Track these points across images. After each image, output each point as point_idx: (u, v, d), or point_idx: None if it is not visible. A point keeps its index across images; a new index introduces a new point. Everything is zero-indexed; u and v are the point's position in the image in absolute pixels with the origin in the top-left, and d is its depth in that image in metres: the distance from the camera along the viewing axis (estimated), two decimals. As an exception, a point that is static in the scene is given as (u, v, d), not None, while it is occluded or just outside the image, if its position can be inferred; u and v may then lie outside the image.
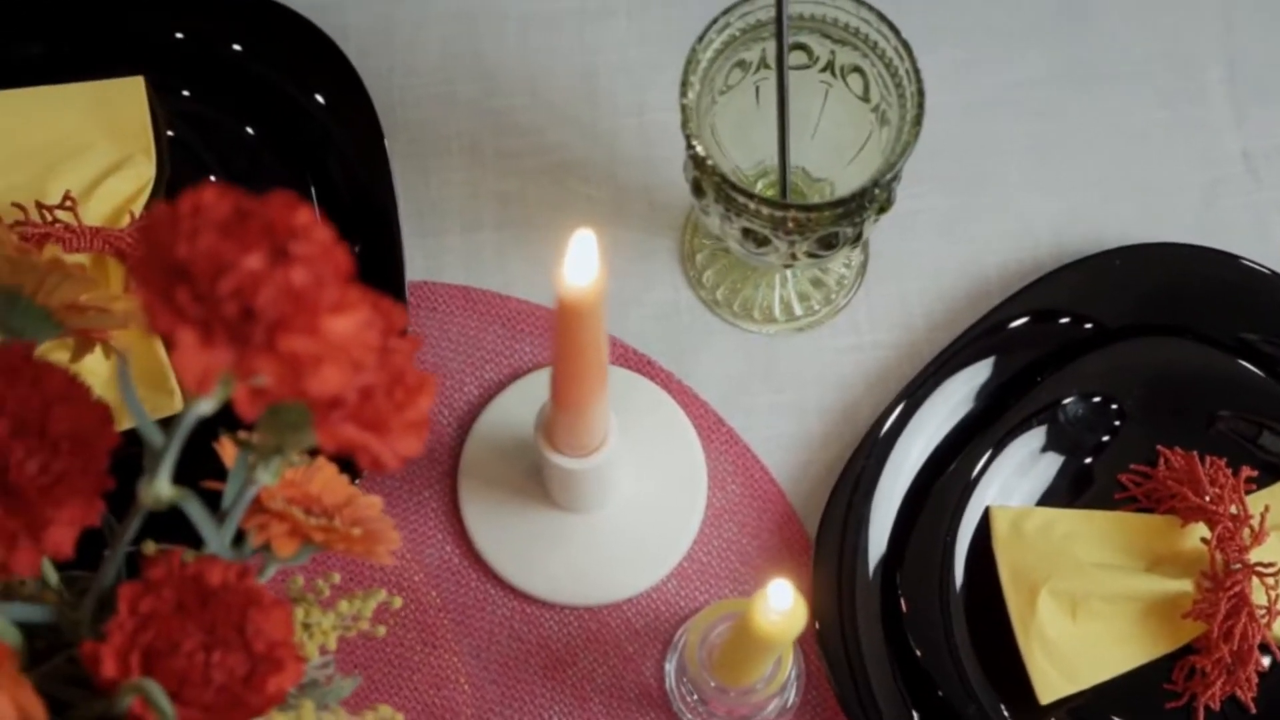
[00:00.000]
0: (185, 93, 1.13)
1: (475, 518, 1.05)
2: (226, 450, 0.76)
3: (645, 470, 1.04)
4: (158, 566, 0.68)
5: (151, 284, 0.52)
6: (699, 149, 0.86)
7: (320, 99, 1.12)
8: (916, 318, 1.11)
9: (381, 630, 0.83)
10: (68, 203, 1.05)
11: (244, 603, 0.68)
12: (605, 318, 0.79)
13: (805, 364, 1.10)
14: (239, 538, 0.72)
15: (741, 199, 0.87)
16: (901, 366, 1.10)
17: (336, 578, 0.83)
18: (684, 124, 0.88)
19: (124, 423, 0.86)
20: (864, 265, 1.10)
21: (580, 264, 0.74)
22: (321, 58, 1.12)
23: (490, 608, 1.04)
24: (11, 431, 0.66)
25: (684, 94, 0.88)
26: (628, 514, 1.04)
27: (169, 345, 0.51)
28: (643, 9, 1.17)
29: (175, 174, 1.11)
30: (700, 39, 0.89)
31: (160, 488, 0.62)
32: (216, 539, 0.65)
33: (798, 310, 1.09)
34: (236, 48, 1.12)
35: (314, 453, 0.70)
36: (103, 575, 0.68)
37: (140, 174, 1.09)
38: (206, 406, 0.58)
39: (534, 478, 1.04)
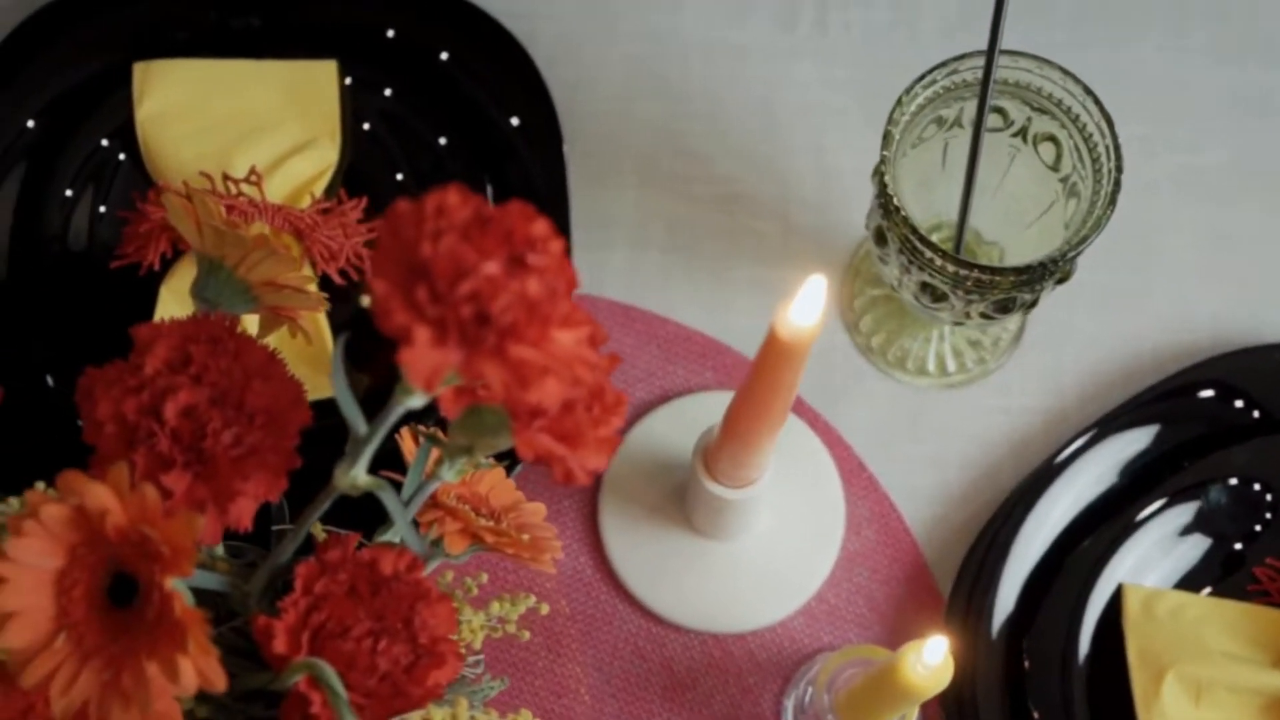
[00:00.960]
0: (387, 91, 1.13)
1: (612, 533, 1.05)
2: (407, 443, 0.77)
3: (786, 506, 1.04)
4: (333, 549, 0.69)
5: (391, 278, 0.53)
6: (894, 199, 0.86)
7: (507, 104, 1.12)
8: (1068, 387, 1.10)
9: (525, 635, 0.83)
10: (253, 177, 1.06)
11: (413, 595, 0.69)
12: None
13: (951, 420, 1.09)
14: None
15: (929, 253, 0.87)
16: (1048, 433, 1.09)
17: (484, 578, 0.84)
18: (881, 173, 0.88)
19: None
20: (1021, 329, 1.10)
21: (806, 306, 0.74)
22: (513, 65, 1.13)
23: (617, 623, 1.04)
24: (211, 401, 0.67)
25: (885, 144, 0.88)
26: (764, 547, 1.04)
27: (401, 339, 0.51)
28: (830, 54, 1.16)
29: (357, 162, 1.11)
30: (907, 92, 0.88)
31: (358, 474, 0.62)
32: (410, 532, 0.65)
33: (951, 366, 1.08)
34: (437, 50, 1.13)
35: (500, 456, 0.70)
36: (280, 552, 0.69)
37: (324, 157, 1.10)
38: (417, 401, 0.58)
39: (675, 499, 1.04)
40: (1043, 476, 1.05)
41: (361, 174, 1.11)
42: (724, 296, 1.11)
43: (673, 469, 1.05)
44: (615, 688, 1.03)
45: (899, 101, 0.89)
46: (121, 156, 1.11)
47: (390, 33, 1.14)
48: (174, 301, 1.07)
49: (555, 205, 1.10)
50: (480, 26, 1.14)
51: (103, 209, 1.10)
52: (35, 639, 0.57)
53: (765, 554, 1.04)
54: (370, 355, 0.85)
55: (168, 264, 1.04)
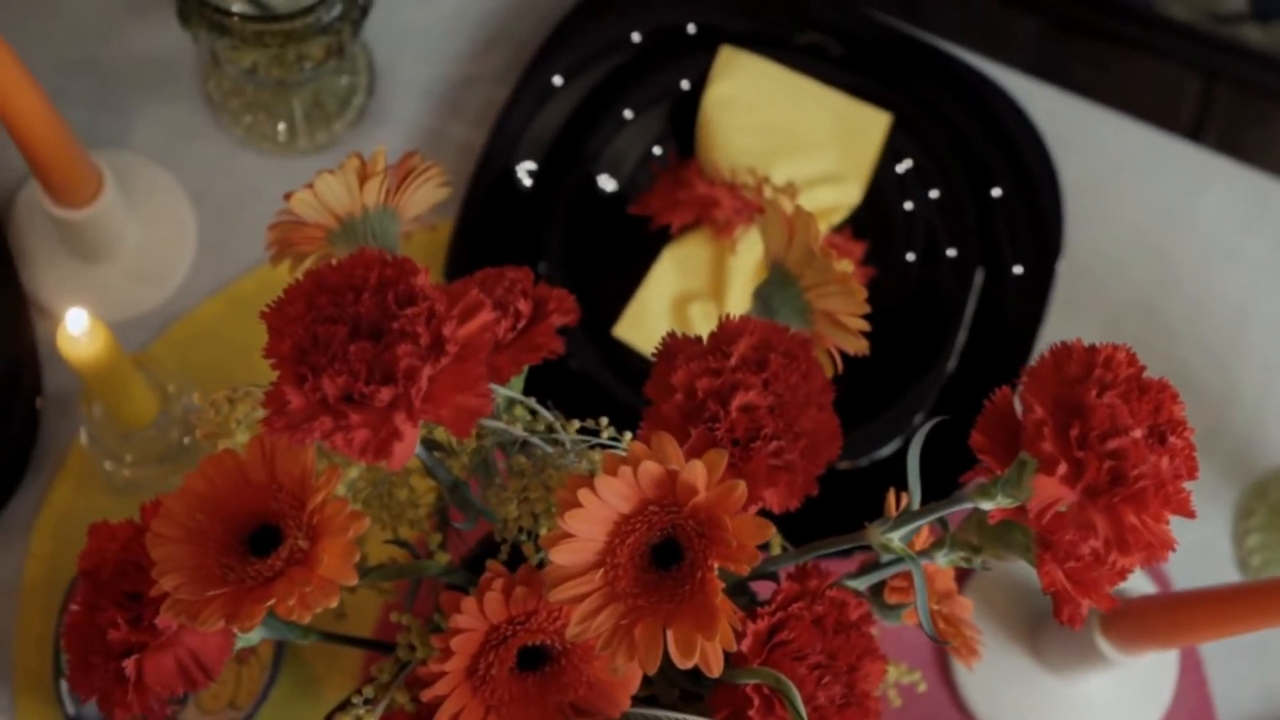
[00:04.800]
0: (908, 163, 1.13)
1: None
2: (890, 508, 0.77)
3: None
4: (815, 578, 0.69)
5: (1045, 405, 0.53)
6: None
7: (1012, 203, 1.12)
8: None
9: (897, 702, 0.83)
10: (789, 189, 1.07)
11: (863, 647, 0.69)
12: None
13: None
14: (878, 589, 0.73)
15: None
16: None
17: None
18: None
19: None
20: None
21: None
22: (1040, 168, 1.12)
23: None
24: (770, 408, 0.68)
25: None
26: (1107, 689, 1.02)
27: (1043, 466, 0.51)
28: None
29: (871, 211, 1.12)
30: None
31: (893, 539, 0.63)
32: (925, 607, 0.65)
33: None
34: (970, 128, 1.13)
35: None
36: (771, 563, 0.69)
37: (848, 194, 1.11)
38: (987, 505, 0.58)
39: (1027, 630, 1.03)
40: None
41: (872, 225, 1.11)
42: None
43: (1029, 597, 1.04)
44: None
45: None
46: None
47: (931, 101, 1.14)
48: (671, 266, 1.08)
49: (1029, 320, 1.09)
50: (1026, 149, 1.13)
51: (656, 151, 1.11)
52: (579, 563, 0.59)
53: (1111, 698, 1.02)
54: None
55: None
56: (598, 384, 1.06)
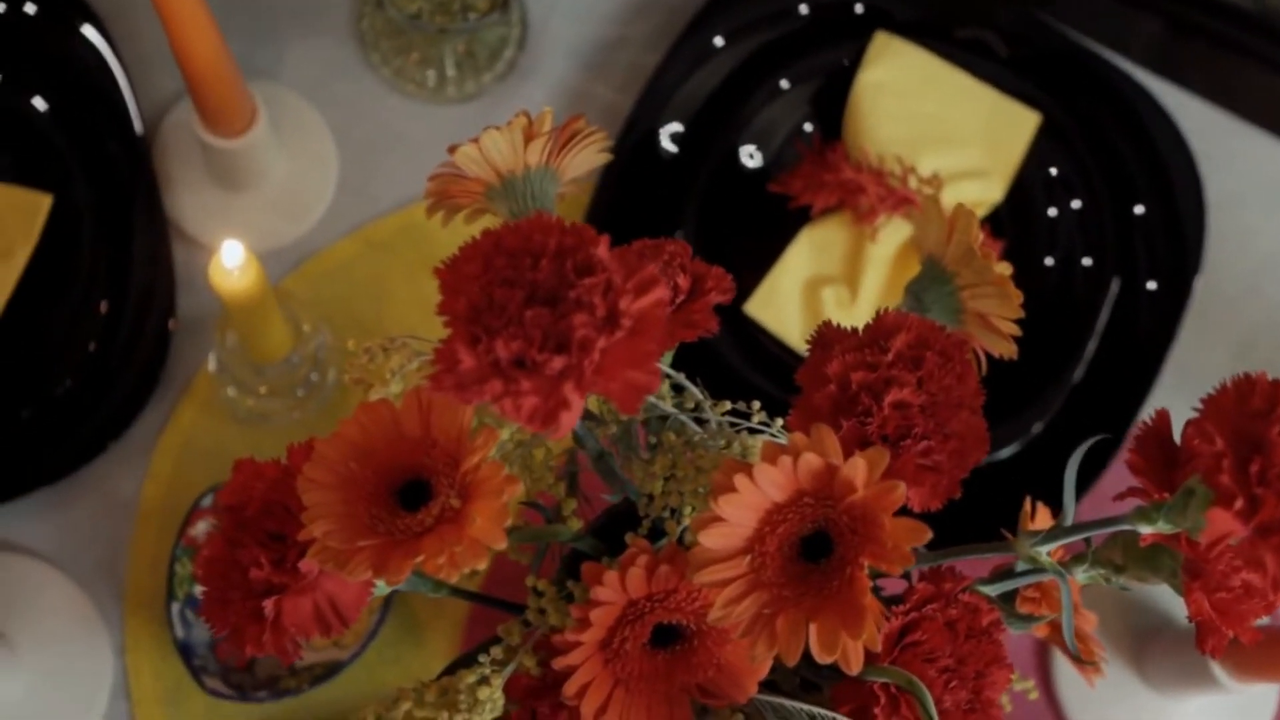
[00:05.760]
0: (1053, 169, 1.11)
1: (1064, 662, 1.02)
2: (1026, 517, 0.76)
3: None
4: (950, 581, 0.68)
5: (1222, 435, 0.51)
6: None
7: (1153, 218, 1.10)
8: None
9: (1009, 709, 0.82)
10: (934, 181, 1.05)
11: (992, 655, 0.68)
12: None
13: None
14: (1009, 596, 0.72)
15: None
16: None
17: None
18: None
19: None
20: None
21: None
22: (1186, 185, 1.11)
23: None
24: (922, 407, 0.67)
25: None
26: (1206, 711, 1.01)
27: (1220, 499, 0.50)
28: None
29: (1011, 211, 1.10)
30: None
31: (1041, 552, 0.62)
32: (1070, 630, 0.63)
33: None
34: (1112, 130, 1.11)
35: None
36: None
37: (989, 191, 1.09)
38: (1161, 529, 0.57)
39: (1131, 645, 1.01)
40: None
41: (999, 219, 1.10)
42: None
43: (1135, 612, 1.02)
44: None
45: None
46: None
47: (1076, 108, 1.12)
48: (807, 246, 1.07)
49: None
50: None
51: (807, 128, 1.10)
52: (727, 548, 0.58)
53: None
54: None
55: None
56: (720, 357, 1.05)
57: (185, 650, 0.95)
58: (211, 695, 0.94)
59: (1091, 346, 1.09)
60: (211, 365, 1.00)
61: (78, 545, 1.00)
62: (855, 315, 1.06)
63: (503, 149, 0.72)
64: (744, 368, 1.05)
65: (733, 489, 0.57)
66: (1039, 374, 1.07)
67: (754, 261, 1.08)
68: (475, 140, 0.72)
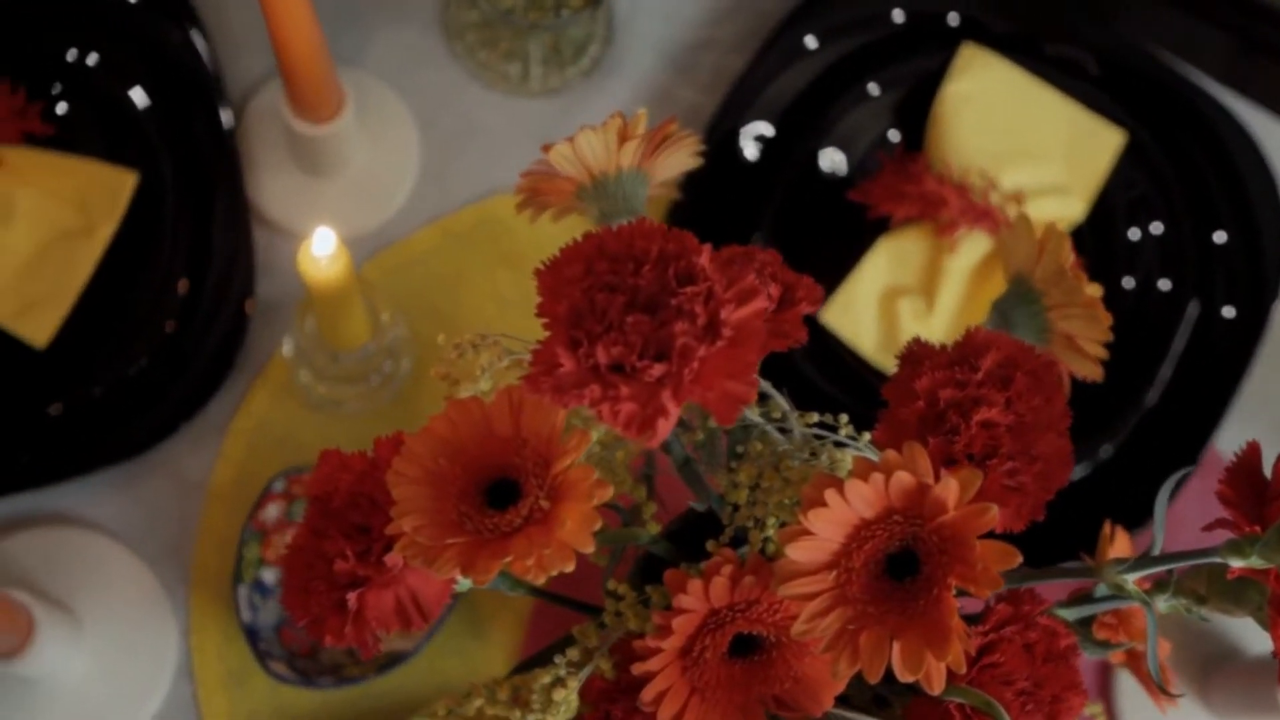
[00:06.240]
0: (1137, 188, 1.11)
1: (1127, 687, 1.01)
2: (1106, 541, 0.75)
3: None
4: (1029, 603, 0.68)
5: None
6: None
7: (1234, 244, 1.09)
8: None
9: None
10: (1016, 196, 1.05)
11: (1068, 679, 0.68)
12: None
13: None
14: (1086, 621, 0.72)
15: None
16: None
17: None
18: None
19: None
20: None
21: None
22: (1269, 213, 1.10)
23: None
24: (1009, 428, 0.66)
25: None
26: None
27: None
28: None
29: (1091, 230, 1.09)
30: None
31: (1127, 580, 0.61)
32: (1154, 654, 0.63)
33: None
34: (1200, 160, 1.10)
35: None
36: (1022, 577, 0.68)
37: (1070, 208, 1.09)
38: (1239, 563, 0.57)
39: (1195, 674, 1.00)
40: None
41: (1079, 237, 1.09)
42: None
43: (1201, 641, 1.01)
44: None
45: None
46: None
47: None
48: (885, 256, 1.07)
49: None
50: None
51: (893, 136, 1.10)
52: (814, 562, 0.58)
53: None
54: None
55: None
56: (793, 364, 1.05)
57: (251, 633, 0.95)
58: (276, 679, 0.94)
59: (1166, 370, 1.08)
60: (286, 350, 1.00)
61: (146, 524, 1.00)
62: (930, 327, 1.05)
63: (597, 149, 0.72)
64: (816, 374, 1.04)
65: (823, 503, 0.57)
66: (1112, 396, 1.06)
67: (829, 268, 1.08)
68: (570, 139, 0.72)
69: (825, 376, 1.06)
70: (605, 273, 0.55)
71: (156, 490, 1.01)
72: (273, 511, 0.97)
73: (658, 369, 0.53)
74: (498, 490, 0.60)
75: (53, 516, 1.00)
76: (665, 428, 0.54)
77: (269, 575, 0.96)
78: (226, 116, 1.04)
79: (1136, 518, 1.03)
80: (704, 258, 0.55)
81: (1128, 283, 1.09)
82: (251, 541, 0.96)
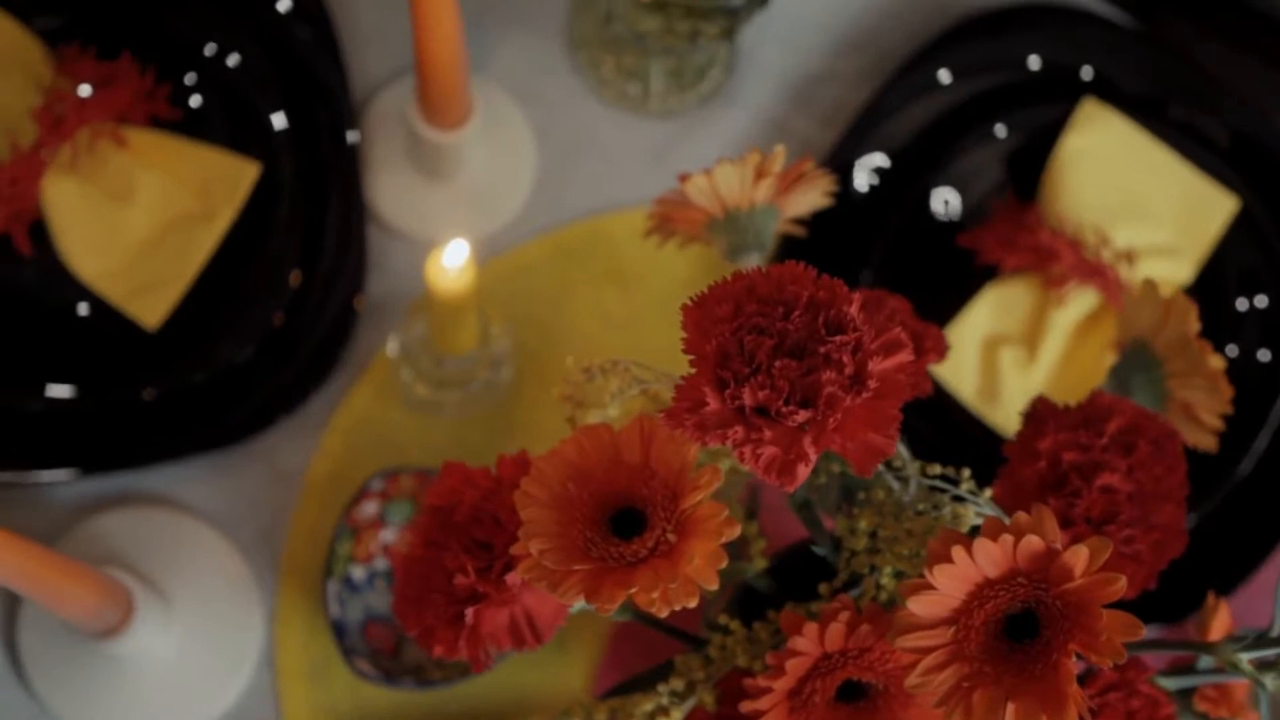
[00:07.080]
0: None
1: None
2: (1212, 611, 0.75)
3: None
4: (1133, 670, 0.68)
5: None
6: None
7: None
8: None
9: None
10: (1128, 254, 1.05)
11: (1167, 752, 0.67)
12: None
13: None
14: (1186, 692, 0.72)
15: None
16: None
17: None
18: None
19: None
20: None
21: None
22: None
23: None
24: (1129, 495, 0.66)
25: None
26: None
27: None
28: None
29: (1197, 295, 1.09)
30: None
31: (1240, 661, 0.61)
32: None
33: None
34: None
35: None
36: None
37: (1178, 271, 1.09)
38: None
39: None
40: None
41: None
42: None
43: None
44: None
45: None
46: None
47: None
48: (991, 304, 1.07)
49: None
50: None
51: (1006, 182, 1.10)
52: (933, 616, 0.58)
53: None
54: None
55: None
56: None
57: (339, 629, 0.96)
58: (359, 676, 0.95)
59: (1263, 441, 1.07)
60: (391, 348, 1.01)
61: (241, 512, 1.01)
62: (1030, 379, 1.05)
63: (732, 183, 0.73)
64: (915, 417, 1.04)
65: (949, 559, 0.57)
66: (1206, 464, 1.06)
67: (932, 310, 1.08)
68: (707, 172, 0.72)
69: (920, 416, 1.06)
70: (754, 315, 0.55)
71: (252, 479, 1.02)
72: (368, 510, 0.97)
73: (802, 415, 0.54)
74: (622, 519, 0.60)
75: (148, 497, 1.01)
76: (804, 473, 0.54)
77: (359, 572, 0.97)
78: (349, 114, 1.05)
79: (1223, 586, 1.03)
80: (854, 307, 0.56)
81: (1231, 350, 1.08)
82: (344, 538, 0.97)
